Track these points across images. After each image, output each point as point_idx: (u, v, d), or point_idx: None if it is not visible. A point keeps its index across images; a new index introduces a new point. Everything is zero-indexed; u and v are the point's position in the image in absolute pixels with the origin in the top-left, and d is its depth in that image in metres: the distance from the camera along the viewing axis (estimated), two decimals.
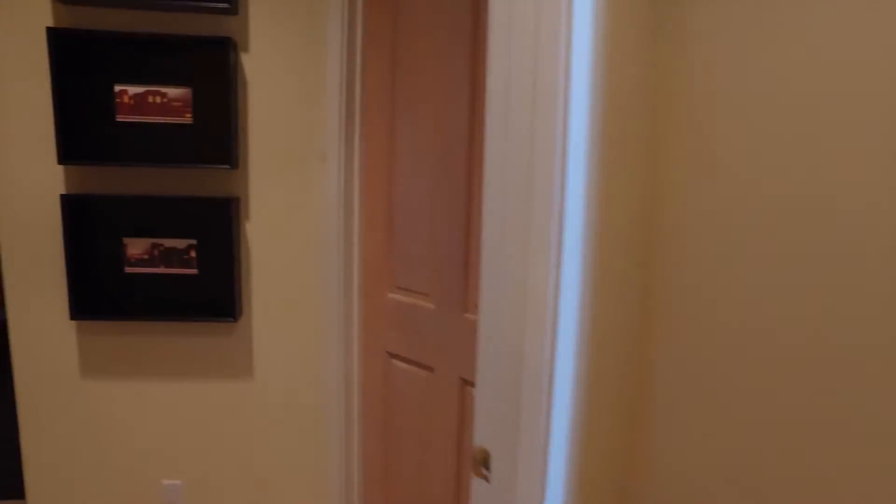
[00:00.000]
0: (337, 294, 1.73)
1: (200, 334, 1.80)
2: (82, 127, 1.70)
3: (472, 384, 1.46)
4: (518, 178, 0.90)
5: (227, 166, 1.65)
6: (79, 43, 1.67)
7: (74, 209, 1.70)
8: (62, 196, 1.66)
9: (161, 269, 1.76)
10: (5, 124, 1.70)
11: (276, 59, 1.71)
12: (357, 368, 1.76)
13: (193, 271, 1.76)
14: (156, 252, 1.75)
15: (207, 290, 1.78)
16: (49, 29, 1.60)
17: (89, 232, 1.75)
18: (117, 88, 1.69)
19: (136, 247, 1.75)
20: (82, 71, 1.68)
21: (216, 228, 1.75)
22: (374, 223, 1.70)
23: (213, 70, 1.69)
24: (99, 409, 1.83)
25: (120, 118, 1.70)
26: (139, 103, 1.70)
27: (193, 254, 1.76)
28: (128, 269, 1.76)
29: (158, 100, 1.70)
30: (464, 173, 1.42)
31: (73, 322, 1.78)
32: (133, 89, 1.69)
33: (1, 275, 1.81)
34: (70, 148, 1.68)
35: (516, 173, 0.90)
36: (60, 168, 1.72)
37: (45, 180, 1.72)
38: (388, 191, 1.66)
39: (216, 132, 1.71)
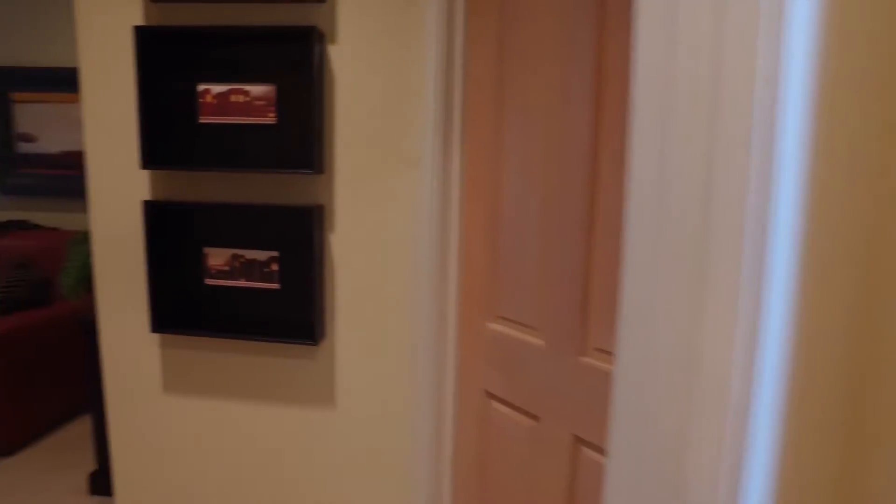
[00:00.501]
0: (429, 319, 1.50)
1: (280, 356, 1.65)
2: (165, 129, 1.59)
3: (589, 444, 1.18)
4: (686, 192, 0.60)
5: (311, 171, 1.47)
6: (164, 41, 1.56)
7: (156, 216, 1.59)
8: (145, 202, 1.56)
9: (241, 283, 1.63)
10: (96, 129, 1.63)
11: (365, 50, 1.50)
12: (450, 407, 1.53)
13: (275, 286, 1.61)
14: (237, 263, 1.62)
15: (289, 308, 1.62)
16: (137, 28, 1.49)
17: (171, 240, 1.64)
18: (201, 88, 1.56)
19: (217, 257, 1.62)
20: (167, 70, 1.57)
21: (299, 240, 1.59)
22: (473, 239, 1.45)
23: (296, 64, 1.51)
24: (179, 424, 1.73)
25: (203, 119, 1.57)
26: (222, 103, 1.55)
27: (275, 267, 1.60)
28: (208, 281, 1.64)
29: (241, 99, 1.55)
30: (585, 183, 1.14)
31: (156, 334, 1.69)
32: (216, 88, 1.55)
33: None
34: (153, 152, 1.57)
35: (683, 185, 0.61)
36: (144, 173, 1.63)
37: (131, 186, 1.63)
38: (491, 202, 1.40)
39: (299, 133, 1.54)
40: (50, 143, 3.60)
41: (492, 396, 1.44)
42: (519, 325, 1.34)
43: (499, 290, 1.39)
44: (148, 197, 1.64)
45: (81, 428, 3.04)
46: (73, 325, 3.05)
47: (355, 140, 1.54)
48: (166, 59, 1.57)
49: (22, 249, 3.28)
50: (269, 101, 1.54)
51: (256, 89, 1.54)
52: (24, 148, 3.63)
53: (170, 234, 1.63)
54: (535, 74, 1.25)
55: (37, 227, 3.55)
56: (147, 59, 1.52)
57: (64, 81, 3.49)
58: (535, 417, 1.32)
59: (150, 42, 1.53)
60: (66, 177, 3.60)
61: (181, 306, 1.67)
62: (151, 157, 1.56)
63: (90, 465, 2.68)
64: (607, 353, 1.14)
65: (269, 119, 1.54)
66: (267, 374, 1.66)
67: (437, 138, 1.45)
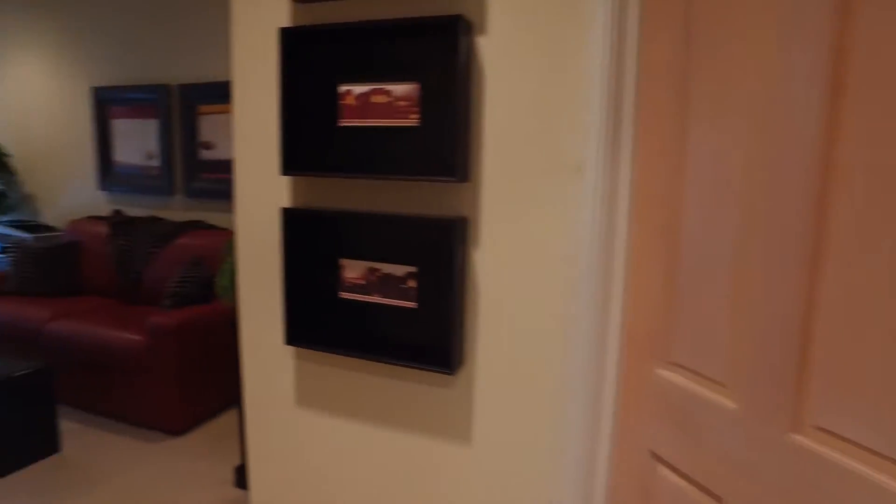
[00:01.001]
0: (584, 356, 1.26)
1: (413, 381, 1.50)
2: (305, 134, 1.52)
3: None
4: None
5: (454, 179, 1.30)
6: (306, 42, 1.49)
7: (294, 224, 1.53)
8: (283, 210, 1.50)
9: (376, 298, 1.50)
10: (244, 135, 1.61)
11: (519, 40, 1.30)
12: (604, 461, 1.27)
13: (412, 304, 1.47)
14: (373, 278, 1.50)
15: (425, 330, 1.47)
16: (282, 30, 1.43)
17: (308, 249, 1.57)
18: (342, 89, 1.46)
19: (352, 270, 1.52)
20: (308, 72, 1.49)
21: (439, 255, 1.42)
22: (644, 263, 1.19)
23: (441, 59, 1.35)
24: (309, 438, 1.66)
25: (343, 122, 1.47)
26: (363, 104, 1.45)
27: (413, 284, 1.46)
28: (343, 295, 1.54)
29: (383, 99, 1.42)
30: (810, 199, 0.84)
31: (290, 347, 1.63)
32: (357, 88, 1.45)
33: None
34: (292, 157, 1.50)
35: None
36: (284, 180, 1.57)
37: (271, 193, 1.59)
38: (669, 218, 1.13)
39: (443, 137, 1.38)
40: (225, 150, 3.87)
41: (659, 460, 1.16)
42: (701, 377, 1.05)
43: (675, 330, 1.11)
44: (287, 204, 1.58)
45: (235, 418, 3.21)
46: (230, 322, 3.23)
47: (506, 144, 1.34)
48: (308, 61, 1.49)
49: (196, 248, 3.54)
50: (411, 102, 1.39)
51: (399, 88, 1.40)
52: (205, 155, 3.95)
53: (307, 242, 1.56)
54: (736, 61, 0.96)
55: (211, 227, 3.83)
56: (290, 61, 1.46)
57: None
58: (717, 499, 1.02)
59: (292, 43, 1.46)
60: None
61: (314, 319, 1.59)
62: (291, 162, 1.49)
63: (237, 457, 2.78)
64: (833, 434, 0.83)
65: (412, 121, 1.40)
66: (398, 398, 1.53)
67: (603, 141, 1.21)
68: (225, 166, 3.86)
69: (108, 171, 4.43)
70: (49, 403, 2.76)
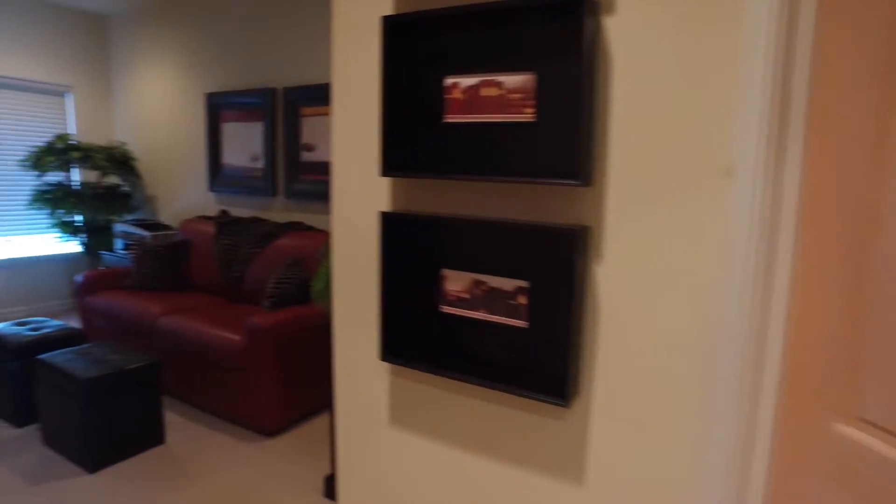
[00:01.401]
0: (730, 404, 1.04)
1: (521, 409, 1.34)
2: (407, 132, 1.39)
3: None
4: None
5: (576, 182, 1.13)
6: (409, 30, 1.36)
7: (393, 229, 1.41)
8: (382, 214, 1.38)
9: (482, 315, 1.35)
10: (342, 134, 1.52)
11: (655, 19, 1.10)
12: None
13: (521, 323, 1.30)
14: (478, 291, 1.35)
15: (536, 353, 1.30)
16: (385, 18, 1.32)
17: (408, 257, 1.44)
18: (448, 81, 1.33)
19: (456, 282, 1.38)
20: (412, 64, 1.37)
21: (555, 269, 1.25)
22: (817, 290, 0.95)
23: (562, 44, 1.18)
24: (402, 460, 1.54)
25: (449, 118, 1.33)
26: (471, 98, 1.30)
27: (523, 300, 1.29)
28: (444, 308, 1.40)
29: (494, 92, 1.27)
30: None
31: (385, 363, 1.52)
32: (466, 81, 1.30)
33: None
34: (393, 157, 1.38)
35: None
36: (384, 182, 1.46)
37: (370, 195, 1.48)
38: (854, 234, 0.89)
39: (563, 133, 1.20)
40: (325, 151, 3.88)
41: None
42: None
43: (863, 375, 0.87)
44: (386, 208, 1.46)
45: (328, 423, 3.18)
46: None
47: (636, 142, 1.14)
48: (411, 52, 1.37)
49: (295, 249, 3.56)
50: (526, 94, 1.23)
51: (512, 80, 1.25)
52: (306, 157, 3.99)
53: (406, 250, 1.44)
54: None
55: (310, 228, 3.86)
56: (392, 52, 1.34)
57: None
58: None
59: (395, 33, 1.34)
60: None
61: (412, 334, 1.46)
62: (391, 163, 1.37)
63: (327, 466, 2.73)
64: None
65: (527, 116, 1.24)
66: (502, 426, 1.37)
67: (764, 137, 0.98)
68: (324, 168, 3.87)
69: (217, 173, 4.60)
70: (156, 396, 2.85)
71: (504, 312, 1.32)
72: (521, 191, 1.28)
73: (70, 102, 5.26)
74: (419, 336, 1.46)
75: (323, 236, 3.57)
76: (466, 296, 1.36)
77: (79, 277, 3.91)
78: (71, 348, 2.89)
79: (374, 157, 1.47)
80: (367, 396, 1.58)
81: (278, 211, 4.22)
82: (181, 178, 4.95)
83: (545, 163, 1.23)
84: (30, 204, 4.75)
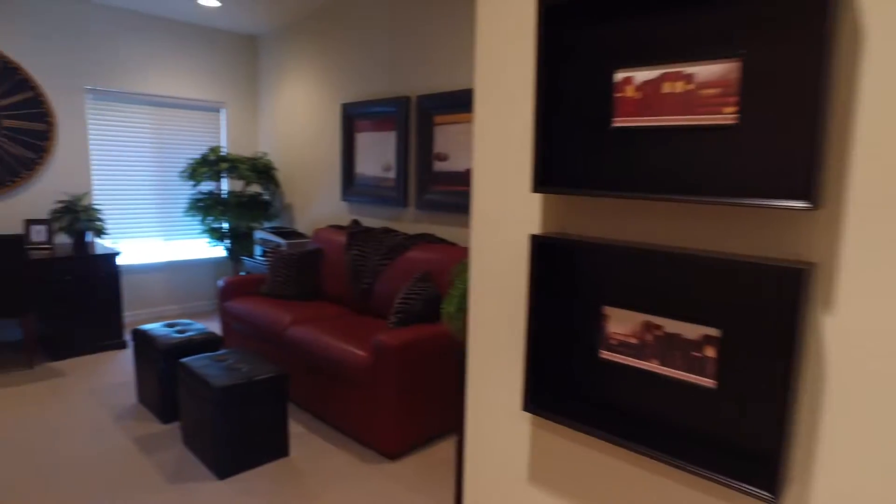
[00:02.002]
0: None
1: (703, 491, 1.04)
2: (566, 140, 1.16)
3: None
4: None
5: (802, 202, 0.83)
6: (570, 18, 1.13)
7: (545, 255, 1.18)
8: (532, 237, 1.16)
9: (653, 366, 1.08)
10: (486, 143, 1.32)
11: None
12: None
13: (708, 382, 1.02)
14: (649, 337, 1.08)
15: (727, 421, 1.00)
16: (541, 3, 1.10)
17: (562, 290, 1.21)
18: (619, 76, 1.08)
19: (621, 323, 1.12)
20: (573, 58, 1.14)
21: (762, 316, 0.95)
22: None
23: (782, 21, 0.89)
24: None
25: (618, 122, 1.08)
26: (649, 97, 1.04)
27: (711, 352, 1.01)
28: (604, 354, 1.15)
29: (679, 87, 1.00)
30: None
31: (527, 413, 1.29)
32: (642, 74, 1.05)
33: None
34: (548, 170, 1.16)
35: None
36: (535, 199, 1.24)
37: (518, 214, 1.27)
38: None
39: (779, 139, 0.91)
40: (458, 161, 3.75)
41: None
42: None
43: None
44: (537, 230, 1.24)
45: (453, 446, 3.00)
46: (457, 350, 3.04)
47: (894, 150, 0.82)
48: (572, 43, 1.13)
49: (425, 262, 3.44)
50: (726, 89, 0.95)
51: (706, 70, 0.97)
52: (438, 166, 3.88)
53: (561, 280, 1.20)
54: None
55: (441, 240, 3.73)
56: (548, 44, 1.12)
57: (471, 102, 3.59)
58: None
59: (553, 21, 1.12)
60: (467, 193, 3.69)
61: (563, 381, 1.22)
62: (545, 176, 1.15)
63: (450, 497, 2.54)
64: None
65: (726, 117, 0.96)
66: None
67: None
68: (457, 178, 3.74)
69: (350, 183, 4.65)
70: (283, 407, 2.84)
71: (683, 366, 1.04)
72: (714, 213, 1.00)
73: (223, 117, 5.62)
74: (571, 385, 1.21)
75: (454, 250, 3.42)
76: (634, 341, 1.10)
77: (221, 282, 4.10)
78: (209, 354, 2.97)
79: (525, 171, 1.25)
80: (504, 448, 1.36)
81: (409, 222, 4.16)
82: (316, 187, 5.08)
83: (749, 177, 0.94)
84: (185, 211, 5.11)
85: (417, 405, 2.92)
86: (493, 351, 1.35)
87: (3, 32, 4.36)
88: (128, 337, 4.67)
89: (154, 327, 3.38)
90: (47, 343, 4.22)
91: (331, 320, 3.49)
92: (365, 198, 4.48)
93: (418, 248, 3.59)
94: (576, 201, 1.18)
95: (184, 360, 2.89)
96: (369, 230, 4.02)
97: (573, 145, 1.15)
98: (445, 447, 3.05)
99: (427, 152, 3.94)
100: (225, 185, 5.61)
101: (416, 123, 4.02)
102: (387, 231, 3.94)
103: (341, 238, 4.11)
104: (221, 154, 5.03)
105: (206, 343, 3.25)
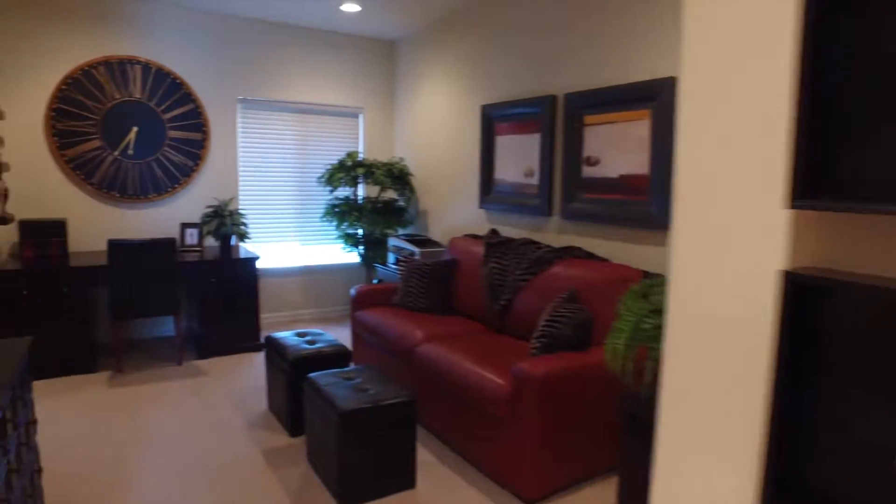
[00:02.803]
0: None
1: None
2: (842, 128, 0.74)
3: None
4: None
5: None
6: None
7: (809, 303, 0.76)
8: (785, 276, 0.75)
9: None
10: (697, 139, 0.92)
11: None
12: None
13: None
14: None
15: None
16: None
17: (833, 356, 0.78)
18: None
19: None
20: (856, 8, 0.71)
21: None
22: None
23: None
24: None
25: None
26: None
27: None
28: None
29: None
30: None
31: None
32: None
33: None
34: (813, 174, 0.74)
35: None
36: (782, 218, 0.82)
37: (751, 239, 0.85)
38: None
39: None
40: (611, 166, 3.30)
41: None
42: None
43: None
44: (784, 262, 0.82)
45: (604, 493, 2.56)
46: (611, 385, 2.59)
47: None
48: None
49: (572, 280, 3.04)
50: None
51: None
52: (587, 172, 3.45)
53: (831, 342, 0.77)
54: None
55: (590, 255, 3.30)
56: None
57: (628, 99, 3.12)
58: None
59: None
60: (623, 202, 3.22)
61: (823, 483, 0.79)
62: (808, 184, 0.73)
63: None
64: None
65: None
66: None
67: None
68: (609, 185, 3.29)
69: (489, 189, 4.36)
70: (411, 436, 2.58)
71: None
72: None
73: (361, 123, 5.61)
74: (838, 489, 0.78)
75: (607, 268, 2.98)
76: None
77: (353, 290, 3.98)
78: (337, 370, 2.80)
79: (762, 177, 0.84)
80: None
81: (552, 233, 3.77)
82: (452, 193, 4.86)
83: None
84: (322, 216, 5.13)
85: (564, 444, 2.52)
86: (703, 421, 0.94)
87: (168, 49, 4.61)
88: (263, 340, 4.74)
89: (285, 336, 3.30)
90: (195, 340, 4.38)
91: (464, 339, 3.20)
92: (504, 205, 4.16)
93: (564, 263, 3.19)
94: (860, 223, 0.75)
95: (312, 374, 2.74)
96: (509, 241, 3.69)
97: (859, 136, 0.72)
98: (596, 493, 2.62)
99: (575, 156, 3.53)
100: (361, 191, 5.59)
101: (563, 124, 3.62)
102: (528, 242, 3.58)
103: (478, 249, 3.82)
104: (358, 159, 4.98)
105: (335, 357, 3.10)
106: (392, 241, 4.83)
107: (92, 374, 3.95)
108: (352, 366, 2.99)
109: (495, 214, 4.33)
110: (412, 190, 5.12)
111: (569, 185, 3.57)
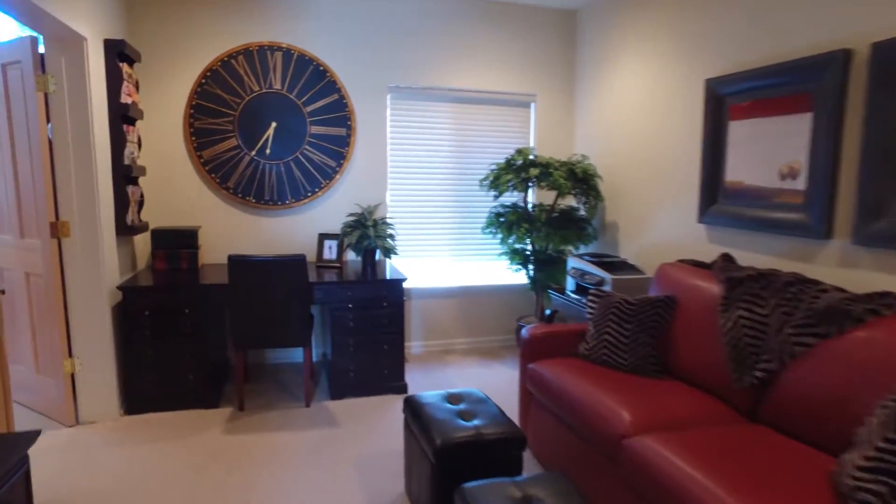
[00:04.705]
0: None
1: None
2: None
3: None
4: None
5: None
6: None
7: None
8: None
9: None
10: None
11: None
12: None
13: None
14: None
15: None
16: None
17: None
18: None
19: None
20: None
21: None
22: None
23: None
24: None
25: None
26: None
27: None
28: None
29: None
30: None
31: None
32: None
33: None
34: None
35: None
36: None
37: None
38: None
39: None
40: None
41: None
42: None
43: None
44: None
45: None
46: None
47: None
48: None
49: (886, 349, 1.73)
50: None
51: None
52: None
53: None
54: None
55: None
56: None
57: None
58: None
59: None
60: None
61: None
62: None
63: None
64: None
65: None
66: None
67: None
68: None
69: (713, 197, 3.09)
70: None
71: None
72: None
73: (532, 113, 4.59)
74: None
75: None
76: None
77: (524, 331, 2.96)
78: (507, 482, 1.80)
79: None
80: None
81: (831, 265, 2.44)
82: (655, 201, 3.65)
83: None
84: (483, 228, 4.19)
85: None
86: None
87: (310, 32, 3.97)
88: (408, 379, 3.90)
89: (431, 401, 2.37)
90: (329, 373, 3.66)
91: (702, 432, 2.02)
92: (741, 220, 2.88)
93: (884, 323, 1.88)
94: None
95: (468, 485, 1.76)
96: (767, 276, 2.42)
97: None
98: None
99: (880, 146, 2.18)
100: (531, 197, 4.56)
101: (865, 95, 2.28)
102: (801, 281, 2.29)
103: (707, 284, 2.60)
104: (530, 158, 3.95)
105: (499, 446, 2.10)
106: (572, 262, 3.74)
107: (214, 408, 3.36)
108: (526, 464, 1.96)
109: (723, 232, 3.06)
110: (598, 196, 3.97)
111: (870, 190, 2.22)
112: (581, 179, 3.90)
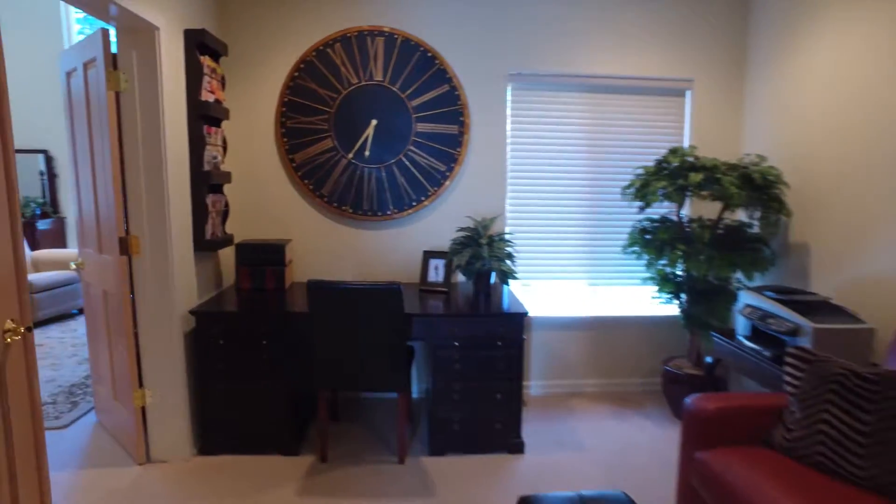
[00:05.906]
0: None
1: None
2: None
3: None
4: None
5: None
6: None
7: None
8: None
9: None
10: None
11: None
12: None
13: None
14: None
15: None
16: None
17: None
18: None
19: None
20: None
21: None
22: None
23: None
24: None
25: None
26: None
27: None
28: None
29: None
30: None
31: None
32: None
33: None
34: None
35: None
36: None
37: None
38: None
39: None
40: None
41: None
42: None
43: None
44: None
45: None
46: None
47: None
48: None
49: None
50: None
51: None
52: None
53: None
54: None
55: None
56: None
57: None
58: None
59: None
60: None
61: None
62: None
63: None
64: None
65: None
66: None
67: None
68: None
69: None
70: None
71: None
72: None
73: (688, 104, 3.67)
74: None
75: None
76: None
77: (689, 401, 2.13)
78: None
79: None
80: None
81: None
82: (873, 218, 2.63)
83: None
84: (624, 247, 3.36)
85: None
86: None
87: (416, 12, 3.37)
88: (526, 431, 3.17)
89: None
90: (428, 423, 3.03)
91: None
92: None
93: None
94: None
95: None
96: None
97: None
98: None
99: None
100: (686, 210, 3.66)
101: None
102: None
103: None
104: (689, 159, 3.07)
105: None
106: (747, 298, 2.82)
107: (294, 456, 2.86)
108: None
109: None
110: (783, 209, 3.00)
111: None
112: (759, 187, 2.95)
